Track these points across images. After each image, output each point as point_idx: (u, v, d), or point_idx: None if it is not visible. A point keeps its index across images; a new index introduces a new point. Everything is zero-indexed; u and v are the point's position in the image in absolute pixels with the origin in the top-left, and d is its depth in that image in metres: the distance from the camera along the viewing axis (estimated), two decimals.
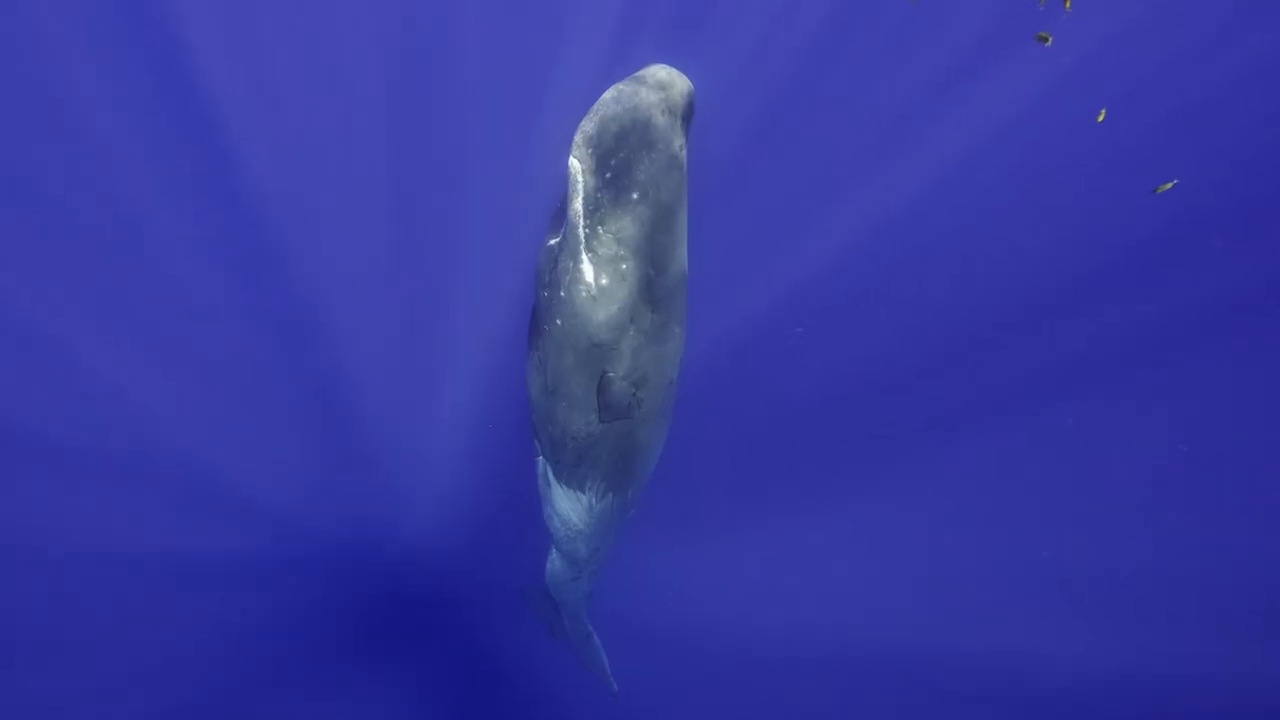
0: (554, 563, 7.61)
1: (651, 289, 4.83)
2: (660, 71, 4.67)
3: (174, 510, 10.10)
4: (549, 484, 6.29)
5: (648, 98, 4.55)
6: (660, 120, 4.55)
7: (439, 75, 8.26)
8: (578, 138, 4.59)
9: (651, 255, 4.75)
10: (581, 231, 4.64)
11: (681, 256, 4.97)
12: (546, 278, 4.97)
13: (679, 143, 4.68)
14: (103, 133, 7.98)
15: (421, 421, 10.66)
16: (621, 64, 5.10)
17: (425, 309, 9.80)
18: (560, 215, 4.88)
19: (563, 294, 4.82)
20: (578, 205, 4.61)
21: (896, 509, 11.44)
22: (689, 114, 4.75)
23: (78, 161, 8.10)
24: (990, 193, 8.92)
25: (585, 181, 4.56)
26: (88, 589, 9.90)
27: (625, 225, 4.61)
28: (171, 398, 9.49)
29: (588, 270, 4.69)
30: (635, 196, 4.57)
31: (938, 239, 9.32)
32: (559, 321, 4.93)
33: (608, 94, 4.61)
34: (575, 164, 4.57)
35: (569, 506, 6.39)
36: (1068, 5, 6.95)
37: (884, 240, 9.25)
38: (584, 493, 6.13)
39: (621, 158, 4.54)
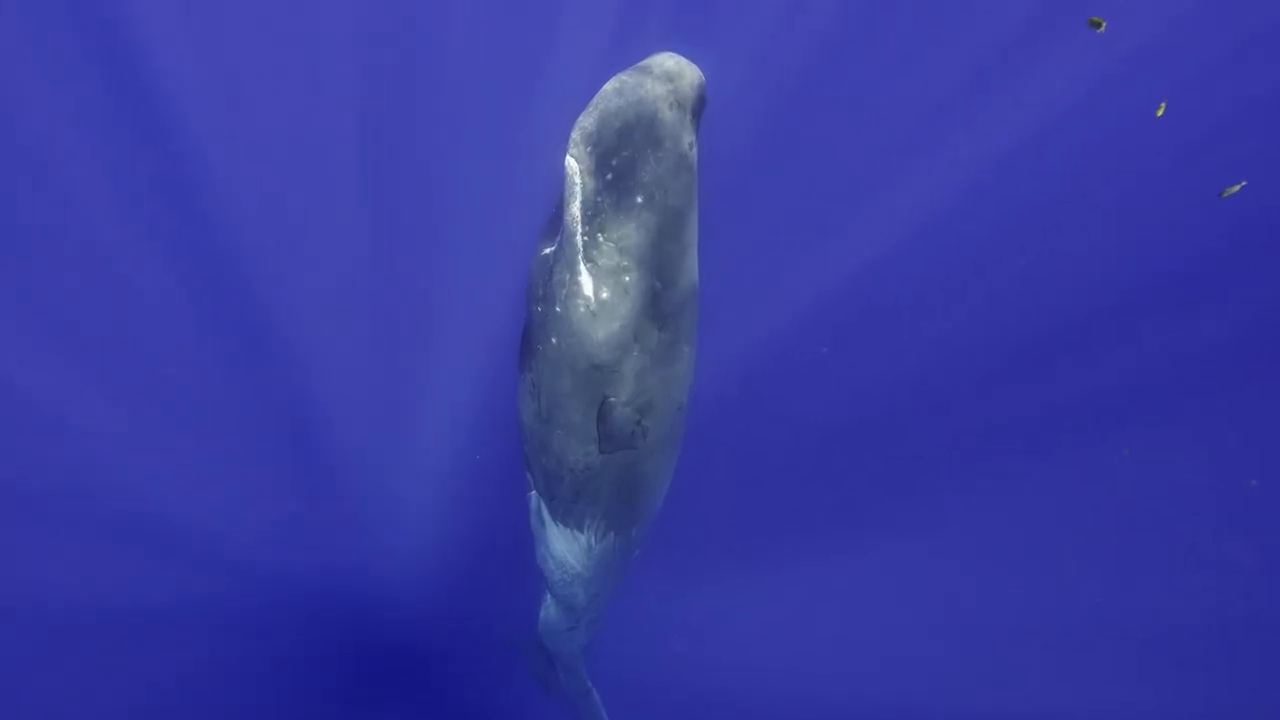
0: (548, 610, 7.58)
1: (658, 304, 4.80)
2: (668, 60, 4.63)
3: (122, 556, 10.04)
4: (543, 522, 6.25)
5: (654, 90, 4.51)
6: (668, 115, 4.52)
7: (423, 64, 8.23)
8: (575, 134, 4.54)
9: (658, 266, 4.71)
10: (579, 239, 4.60)
11: (691, 267, 4.94)
12: (540, 291, 4.93)
13: (689, 140, 4.65)
14: (47, 134, 7.96)
15: (400, 452, 10.61)
16: (625, 52, 5.07)
17: (404, 325, 9.77)
18: (556, 221, 4.85)
19: (558, 309, 4.78)
20: (575, 210, 4.57)
21: (930, 549, 11.40)
22: (700, 108, 4.72)
23: (12, 169, 8.08)
24: (1035, 195, 8.88)
25: (584, 183, 4.53)
26: (29, 644, 9.83)
27: (629, 232, 4.58)
28: (118, 428, 9.44)
29: (586, 283, 4.65)
30: (640, 200, 4.54)
31: (977, 247, 9.29)
32: (554, 340, 4.90)
33: (609, 85, 4.57)
34: (572, 164, 4.53)
35: (565, 547, 6.35)
36: None
37: (917, 248, 9.21)
38: (582, 532, 6.09)
39: (624, 157, 4.50)
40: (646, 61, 4.66)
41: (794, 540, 11.63)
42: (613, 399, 5.01)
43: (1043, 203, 8.92)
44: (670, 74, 4.57)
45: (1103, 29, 6.74)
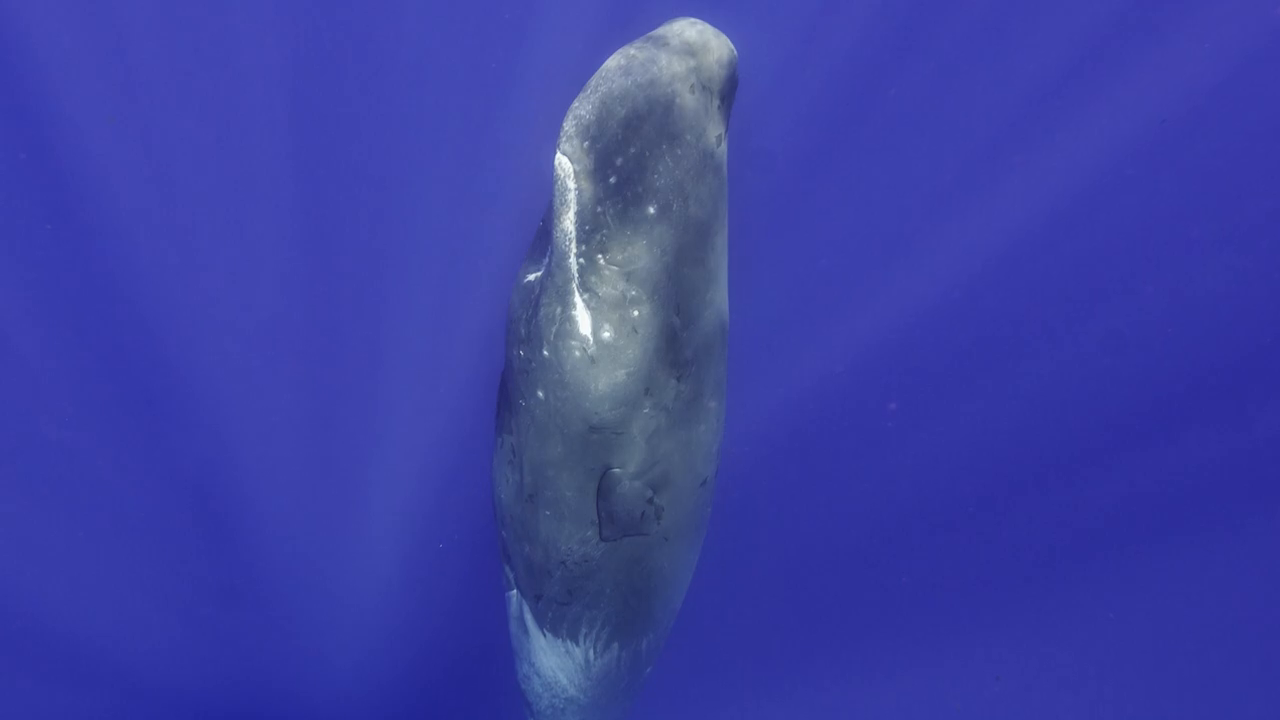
0: None
1: (676, 346, 4.80)
2: (688, 29, 4.67)
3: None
4: (527, 631, 6.28)
5: (670, 68, 4.53)
6: (688, 100, 4.54)
7: (368, 38, 8.26)
8: (569, 125, 4.56)
9: (675, 297, 4.72)
10: (574, 262, 4.60)
11: (719, 299, 4.96)
12: (523, 330, 4.94)
13: (715, 133, 4.67)
14: None
15: (340, 542, 10.58)
16: (632, 18, 5.09)
17: (346, 375, 9.75)
18: (543, 238, 4.86)
19: (546, 354, 4.78)
20: (568, 224, 4.57)
21: (1032, 667, 11.36)
22: (730, 92, 4.75)
23: None
24: (1171, 204, 8.85)
25: (579, 189, 4.53)
26: None
27: (638, 253, 4.58)
28: None
29: (583, 319, 4.65)
30: (652, 211, 4.55)
31: (1092, 270, 9.25)
32: (541, 394, 4.90)
33: (612, 61, 4.60)
34: (565, 163, 4.55)
35: (556, 663, 6.35)
36: None
37: (1013, 272, 9.18)
38: (578, 644, 6.10)
39: (632, 155, 4.51)
40: (661, 30, 4.71)
41: (849, 652, 11.61)
42: (617, 470, 5.00)
43: (1185, 211, 8.84)
44: (692, 47, 4.60)
45: None
